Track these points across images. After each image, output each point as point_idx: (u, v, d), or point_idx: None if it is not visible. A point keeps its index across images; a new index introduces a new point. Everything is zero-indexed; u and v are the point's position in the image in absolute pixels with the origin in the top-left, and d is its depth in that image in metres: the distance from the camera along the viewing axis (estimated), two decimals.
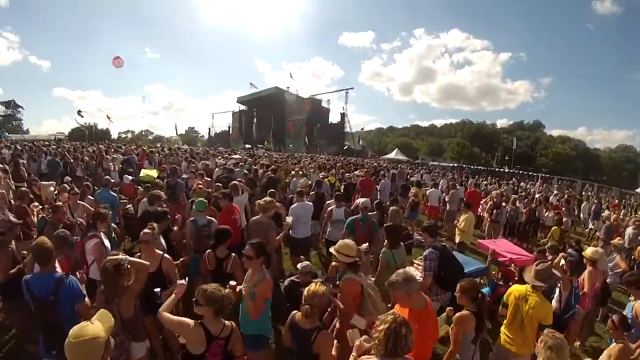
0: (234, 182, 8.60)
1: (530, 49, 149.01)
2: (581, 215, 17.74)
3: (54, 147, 22.01)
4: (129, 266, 3.42)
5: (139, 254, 4.49)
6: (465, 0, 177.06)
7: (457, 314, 3.93)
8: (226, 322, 3.07)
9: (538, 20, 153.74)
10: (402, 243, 5.91)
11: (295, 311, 3.34)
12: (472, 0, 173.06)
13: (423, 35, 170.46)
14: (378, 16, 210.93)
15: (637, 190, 40.20)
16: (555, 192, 21.67)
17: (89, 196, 7.96)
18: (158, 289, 3.94)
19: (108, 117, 63.81)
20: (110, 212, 6.14)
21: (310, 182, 10.66)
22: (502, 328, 4.45)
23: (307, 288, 3.28)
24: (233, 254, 4.81)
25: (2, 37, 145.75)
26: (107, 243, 5.04)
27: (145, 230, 4.43)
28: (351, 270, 4.19)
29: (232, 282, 3.88)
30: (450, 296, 5.22)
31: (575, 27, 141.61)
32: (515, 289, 4.41)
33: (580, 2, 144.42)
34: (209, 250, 4.84)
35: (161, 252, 4.53)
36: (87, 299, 3.66)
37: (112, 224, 6.43)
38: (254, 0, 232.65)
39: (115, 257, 3.42)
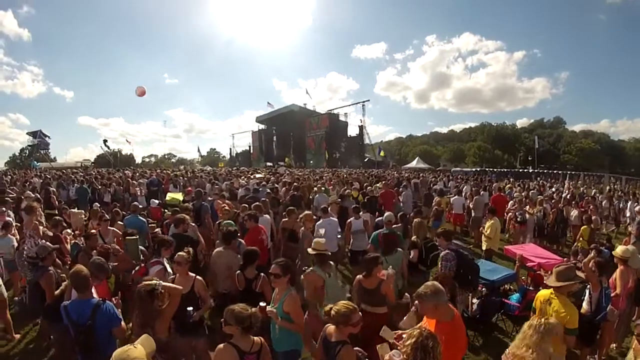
0: (257, 202, 8.76)
1: (543, 45, 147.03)
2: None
3: (82, 174, 22.63)
4: (162, 290, 3.52)
5: (172, 277, 4.63)
6: (474, 3, 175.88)
7: None
8: (255, 338, 3.16)
9: (548, 15, 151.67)
10: (399, 249, 6.20)
11: (328, 324, 3.40)
12: (481, 2, 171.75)
13: (435, 41, 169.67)
14: (389, 27, 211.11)
15: None
16: (581, 189, 21.29)
17: (119, 222, 8.18)
18: (191, 308, 4.11)
19: (128, 142, 65.22)
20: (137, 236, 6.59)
21: (338, 198, 10.77)
22: None
23: (337, 303, 3.33)
24: (262, 274, 4.90)
25: (27, 71, 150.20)
26: (169, 269, 5.20)
27: (181, 253, 4.61)
28: (319, 264, 5.08)
29: (262, 303, 3.94)
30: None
31: (587, 19, 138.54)
32: (541, 294, 4.39)
33: None
34: (238, 271, 4.94)
35: (194, 275, 4.64)
36: (123, 322, 3.81)
37: (141, 247, 6.65)
38: (266, 20, 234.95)
39: (149, 282, 3.52)
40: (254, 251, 5.09)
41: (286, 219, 7.93)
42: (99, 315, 3.59)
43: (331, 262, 5.51)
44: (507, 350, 3.55)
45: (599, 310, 5.16)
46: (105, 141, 55.25)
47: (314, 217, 8.16)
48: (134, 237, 6.46)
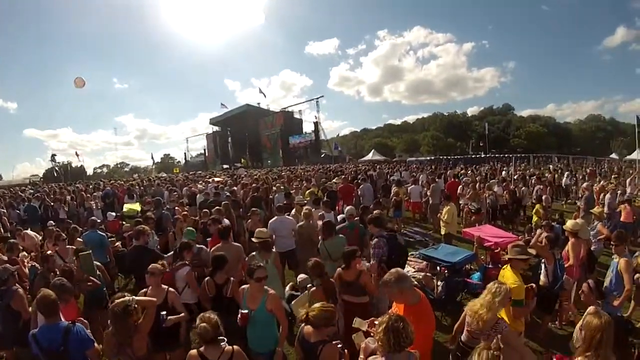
0: (218, 207, 8.72)
1: (491, 36, 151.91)
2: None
3: (32, 191, 21.69)
4: (136, 306, 3.47)
5: (144, 290, 4.50)
6: None
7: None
8: (227, 347, 3.16)
9: (495, 7, 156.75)
10: (340, 235, 6.46)
11: (303, 324, 3.43)
12: None
13: (386, 35, 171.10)
14: (341, 22, 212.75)
15: (610, 156, 41.34)
16: (531, 170, 22.23)
17: (78, 239, 7.83)
18: (164, 312, 4.04)
19: (77, 154, 62.99)
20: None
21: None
22: None
23: (310, 308, 3.37)
24: (232, 279, 4.89)
25: None
26: None
27: (155, 264, 4.55)
28: (260, 251, 5.67)
29: (244, 311, 3.98)
30: None
31: (532, 10, 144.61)
32: (501, 271, 4.69)
33: None
34: (208, 277, 4.90)
35: (166, 287, 4.56)
36: (96, 344, 3.69)
37: (97, 263, 6.29)
38: (217, 20, 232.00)
39: (122, 299, 3.45)
40: (222, 256, 5.05)
41: (250, 221, 7.93)
42: (71, 339, 3.46)
43: (273, 250, 5.95)
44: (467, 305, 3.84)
45: (556, 281, 5.54)
46: (53, 156, 53.23)
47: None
48: (87, 252, 6.10)
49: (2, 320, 4.77)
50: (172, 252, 6.31)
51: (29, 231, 9.87)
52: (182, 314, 4.41)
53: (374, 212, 7.52)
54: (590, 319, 3.15)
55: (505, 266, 4.66)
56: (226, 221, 7.89)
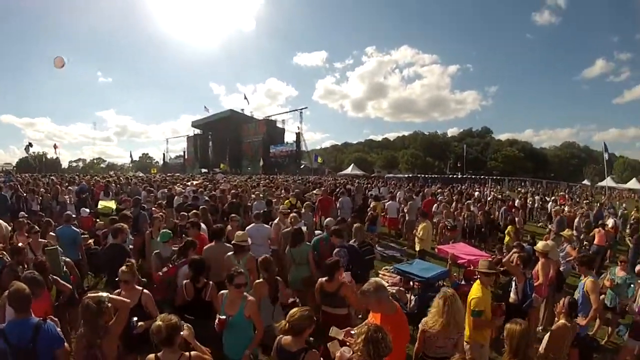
0: (195, 210, 8.71)
1: (476, 61, 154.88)
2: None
3: (3, 179, 21.16)
4: (109, 304, 3.35)
5: (117, 290, 4.32)
6: (414, 18, 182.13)
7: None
8: (185, 352, 3.10)
9: (482, 33, 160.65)
10: (306, 242, 6.72)
11: (280, 335, 3.39)
12: (421, 17, 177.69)
13: (374, 52, 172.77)
14: (331, 36, 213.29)
15: (583, 182, 42.48)
16: (507, 192, 22.77)
17: (51, 233, 7.49)
18: (135, 318, 3.91)
19: (55, 147, 61.68)
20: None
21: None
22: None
23: (290, 313, 3.36)
24: (211, 282, 4.89)
25: None
26: None
27: (123, 269, 4.36)
28: (235, 253, 5.84)
29: (222, 316, 3.97)
30: None
31: (517, 38, 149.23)
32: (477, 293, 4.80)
33: (521, 14, 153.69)
34: (187, 280, 4.86)
35: (140, 288, 4.46)
36: (66, 343, 3.57)
37: (68, 259, 6.19)
38: (207, 22, 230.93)
39: (96, 295, 3.34)
40: (202, 260, 5.08)
41: (230, 228, 7.92)
42: (41, 336, 3.32)
43: (250, 253, 6.09)
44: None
45: (525, 299, 5.77)
46: (29, 145, 52.10)
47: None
48: (53, 247, 5.96)
49: None
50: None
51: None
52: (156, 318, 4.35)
53: (354, 224, 7.64)
54: (511, 327, 3.45)
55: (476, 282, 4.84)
56: (203, 226, 7.85)
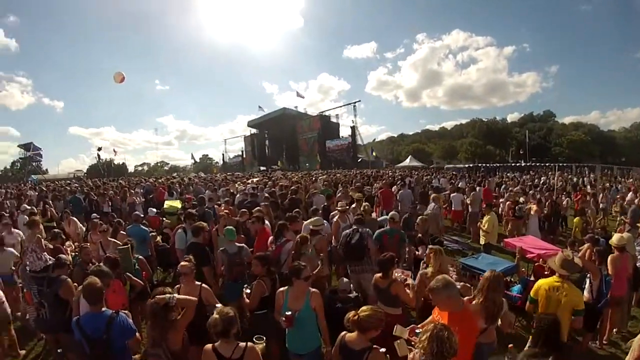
0: (258, 207, 8.85)
1: (532, 40, 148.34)
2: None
3: (76, 185, 22.58)
4: (176, 303, 3.54)
5: (177, 286, 4.60)
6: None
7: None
8: (240, 343, 3.23)
9: (536, 9, 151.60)
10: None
11: (344, 332, 3.38)
12: None
13: (425, 39, 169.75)
14: (379, 26, 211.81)
15: None
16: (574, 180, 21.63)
17: (121, 232, 8.05)
18: (219, 305, 4.01)
19: (114, 151, 65.14)
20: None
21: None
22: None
23: (362, 308, 3.32)
24: (277, 277, 5.06)
25: (15, 82, 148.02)
26: None
27: (183, 263, 4.60)
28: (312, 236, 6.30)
29: (288, 312, 3.96)
30: None
31: (574, 11, 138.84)
32: (544, 282, 4.55)
33: None
34: (260, 277, 4.94)
35: (199, 283, 4.63)
36: (137, 334, 3.84)
37: (139, 256, 6.55)
38: (256, 23, 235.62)
39: (163, 296, 3.53)
40: (268, 255, 5.36)
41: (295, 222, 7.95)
42: (114, 327, 3.57)
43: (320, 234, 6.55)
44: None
45: (600, 298, 5.35)
46: (99, 149, 55.17)
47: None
48: (126, 246, 6.25)
49: (50, 307, 4.96)
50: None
51: (74, 218, 10.44)
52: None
53: (419, 217, 7.51)
54: (485, 275, 4.16)
55: (552, 278, 4.53)
56: (267, 223, 7.97)
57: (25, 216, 9.64)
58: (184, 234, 7.23)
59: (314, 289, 4.19)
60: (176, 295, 3.59)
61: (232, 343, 3.21)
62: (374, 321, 3.20)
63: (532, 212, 10.55)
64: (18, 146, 63.73)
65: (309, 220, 7.10)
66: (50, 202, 13.66)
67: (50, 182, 33.39)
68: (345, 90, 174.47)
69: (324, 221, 7.82)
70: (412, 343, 3.20)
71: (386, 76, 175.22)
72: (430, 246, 5.59)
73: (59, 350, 5.38)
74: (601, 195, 15.56)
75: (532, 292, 4.66)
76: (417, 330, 3.27)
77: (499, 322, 4.12)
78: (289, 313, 3.96)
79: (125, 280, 5.36)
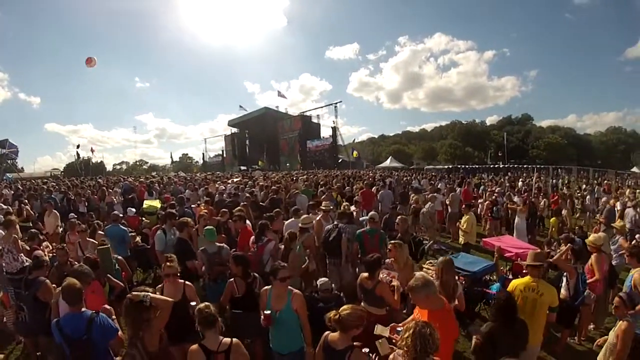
0: (239, 207, 8.80)
1: (513, 45, 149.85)
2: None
3: (53, 183, 22.15)
4: (150, 303, 3.45)
5: (160, 285, 4.58)
6: (446, 3, 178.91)
7: None
8: (225, 339, 3.25)
9: (518, 15, 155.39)
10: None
11: (327, 332, 3.40)
12: (453, 3, 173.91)
13: (407, 42, 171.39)
14: (362, 28, 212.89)
15: (632, 170, 40.62)
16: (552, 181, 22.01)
17: (100, 232, 7.98)
18: (194, 302, 4.03)
19: (92, 150, 63.97)
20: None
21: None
22: None
23: (342, 307, 3.34)
24: (257, 276, 5.03)
25: None
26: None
27: (169, 264, 4.52)
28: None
29: (267, 312, 3.99)
30: None
31: (555, 19, 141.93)
32: (519, 282, 4.62)
33: None
34: (234, 277, 4.97)
35: (182, 281, 4.62)
36: (120, 332, 3.77)
37: (118, 257, 6.54)
38: (238, 22, 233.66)
39: (138, 293, 3.47)
40: (244, 256, 5.25)
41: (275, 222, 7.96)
42: (94, 328, 3.51)
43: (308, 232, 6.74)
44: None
45: (577, 295, 5.50)
46: (78, 146, 54.18)
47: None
48: (105, 246, 6.27)
49: (29, 310, 4.89)
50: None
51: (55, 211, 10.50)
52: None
53: (398, 217, 7.57)
54: (438, 261, 4.83)
55: (526, 278, 4.61)
56: (247, 222, 7.97)
57: (1, 216, 9.41)
58: (164, 235, 7.09)
59: (296, 291, 4.18)
60: (150, 294, 3.50)
61: (217, 337, 3.23)
62: (354, 319, 3.21)
63: (518, 212, 10.65)
64: None
65: (301, 218, 7.30)
66: (27, 201, 13.42)
67: (26, 180, 32.65)
68: (327, 91, 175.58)
69: (312, 219, 7.86)
70: (394, 341, 3.23)
71: (368, 77, 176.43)
72: (391, 241, 5.82)
73: (37, 354, 5.32)
74: (588, 197, 15.94)
75: (512, 290, 4.68)
76: (398, 329, 3.30)
77: (456, 301, 4.54)
78: (268, 312, 3.99)
79: (105, 281, 5.28)
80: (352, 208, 9.08)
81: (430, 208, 11.08)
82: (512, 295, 4.16)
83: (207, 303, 3.41)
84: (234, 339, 3.29)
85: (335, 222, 7.46)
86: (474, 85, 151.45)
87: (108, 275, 5.53)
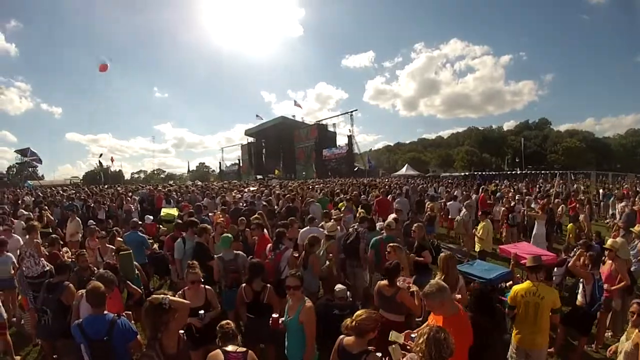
0: (255, 215, 8.87)
1: (529, 48, 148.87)
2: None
3: (73, 191, 22.61)
4: (170, 305, 3.48)
5: (180, 292, 4.67)
6: (461, 9, 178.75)
7: None
8: (241, 348, 3.42)
9: (533, 18, 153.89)
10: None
11: (342, 335, 3.42)
12: (468, 8, 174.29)
13: (423, 48, 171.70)
14: (378, 35, 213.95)
15: None
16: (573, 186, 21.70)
17: (118, 239, 8.12)
18: (202, 311, 4.29)
19: (112, 160, 65.21)
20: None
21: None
22: (514, 330, 4.65)
23: (357, 313, 3.36)
24: (268, 285, 5.02)
25: (14, 87, 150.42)
26: None
27: (190, 271, 4.67)
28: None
29: (275, 315, 4.09)
30: None
31: (571, 20, 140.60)
32: (519, 288, 4.61)
33: None
34: (245, 284, 5.03)
35: (203, 286, 4.76)
36: (139, 336, 3.89)
37: (136, 263, 6.63)
38: (255, 32, 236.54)
39: (158, 296, 3.51)
40: (259, 264, 5.22)
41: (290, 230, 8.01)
42: (115, 330, 3.64)
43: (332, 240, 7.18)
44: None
45: (594, 302, 5.42)
46: (100, 155, 55.15)
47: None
48: (127, 251, 6.41)
49: (52, 313, 4.96)
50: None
51: (78, 218, 10.76)
52: (218, 309, 4.79)
53: (414, 225, 7.57)
54: (440, 257, 5.16)
55: (526, 284, 4.63)
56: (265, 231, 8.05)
57: (22, 222, 9.64)
58: (183, 244, 7.18)
59: (308, 304, 4.18)
60: (169, 297, 3.58)
61: (236, 348, 3.38)
62: (370, 323, 3.25)
63: (537, 219, 10.51)
64: (15, 151, 63.06)
65: (328, 225, 7.58)
66: (47, 207, 13.70)
67: (46, 188, 33.33)
68: (343, 99, 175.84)
69: (337, 227, 7.97)
70: (408, 348, 3.24)
71: (384, 85, 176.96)
72: (389, 244, 5.95)
73: (54, 356, 5.42)
74: (602, 203, 15.70)
75: (509, 299, 4.72)
76: (413, 335, 3.31)
77: (459, 295, 4.80)
78: (276, 316, 4.13)
79: (123, 287, 5.39)
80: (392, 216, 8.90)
81: (464, 216, 11.01)
82: (485, 289, 4.92)
83: (228, 321, 3.59)
84: (250, 352, 3.41)
85: (355, 227, 7.78)
86: (491, 90, 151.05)
87: (127, 281, 5.62)
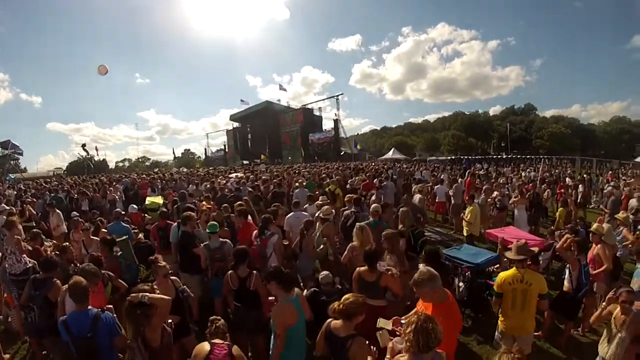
0: (240, 201, 8.77)
1: (518, 34, 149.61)
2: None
3: (56, 183, 22.29)
4: (149, 302, 3.46)
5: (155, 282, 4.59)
6: None
7: None
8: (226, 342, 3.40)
9: (522, 3, 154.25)
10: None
11: (330, 319, 3.43)
12: None
13: (410, 32, 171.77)
14: (365, 19, 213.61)
15: (636, 160, 40.40)
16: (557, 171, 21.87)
17: (103, 230, 7.99)
18: (170, 320, 3.90)
19: (96, 149, 64.08)
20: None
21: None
22: (501, 316, 4.62)
23: (344, 297, 3.37)
24: (254, 272, 4.93)
25: None
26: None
27: (160, 265, 4.61)
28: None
29: (271, 297, 4.06)
30: None
31: (560, 7, 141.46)
32: (505, 275, 4.56)
33: None
34: (230, 271, 4.95)
35: (172, 278, 4.74)
36: (123, 331, 3.79)
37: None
38: (239, 14, 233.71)
39: (136, 295, 3.48)
40: (244, 250, 5.11)
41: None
42: (99, 325, 3.58)
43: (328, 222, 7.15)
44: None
45: (580, 287, 5.46)
46: (83, 145, 54.14)
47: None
48: (124, 238, 6.40)
49: (39, 310, 4.86)
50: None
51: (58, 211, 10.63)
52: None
53: (401, 209, 7.57)
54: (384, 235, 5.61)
55: (512, 270, 4.56)
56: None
57: (4, 216, 9.39)
58: (177, 228, 7.00)
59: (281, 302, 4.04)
60: (148, 294, 3.49)
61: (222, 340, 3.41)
62: (357, 306, 3.28)
63: (517, 204, 10.56)
64: None
65: (323, 209, 7.49)
66: (29, 201, 13.42)
67: (29, 180, 32.76)
68: (329, 83, 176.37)
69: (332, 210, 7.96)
70: (397, 333, 3.22)
71: (370, 69, 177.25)
72: (357, 224, 6.27)
73: (43, 353, 5.33)
74: (580, 186, 15.79)
75: (495, 286, 4.67)
76: (402, 321, 3.29)
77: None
78: (272, 298, 4.16)
79: (107, 281, 5.27)
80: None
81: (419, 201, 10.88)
82: (434, 249, 5.77)
83: (219, 317, 3.66)
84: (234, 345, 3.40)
85: (352, 209, 8.11)
86: (478, 75, 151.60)
87: (112, 275, 5.50)
